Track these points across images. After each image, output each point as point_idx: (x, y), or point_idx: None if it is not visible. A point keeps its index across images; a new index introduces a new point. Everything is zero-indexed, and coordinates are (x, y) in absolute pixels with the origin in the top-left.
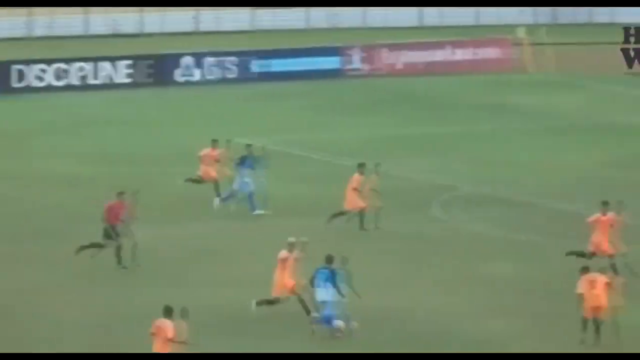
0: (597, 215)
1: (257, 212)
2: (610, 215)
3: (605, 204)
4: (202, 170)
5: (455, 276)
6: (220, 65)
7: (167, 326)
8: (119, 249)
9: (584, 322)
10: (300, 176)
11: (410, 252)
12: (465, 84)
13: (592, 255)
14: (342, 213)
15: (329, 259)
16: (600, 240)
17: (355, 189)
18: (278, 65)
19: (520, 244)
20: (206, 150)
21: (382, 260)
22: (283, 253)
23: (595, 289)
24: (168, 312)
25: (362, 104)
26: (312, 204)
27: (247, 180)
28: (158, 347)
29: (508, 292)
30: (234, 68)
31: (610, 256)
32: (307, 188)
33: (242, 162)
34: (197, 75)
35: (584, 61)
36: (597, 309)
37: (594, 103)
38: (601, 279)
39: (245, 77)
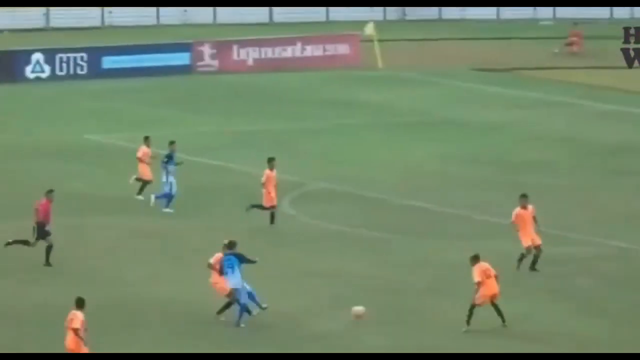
0: (528, 210)
1: (168, 210)
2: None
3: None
4: (141, 169)
5: (303, 271)
6: (71, 62)
7: (77, 317)
8: (49, 248)
9: (472, 309)
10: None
11: (257, 247)
12: (315, 80)
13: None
14: (263, 208)
15: (232, 245)
16: (533, 233)
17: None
18: (128, 61)
19: (366, 239)
20: (144, 149)
21: None
22: (219, 255)
23: (490, 277)
24: (80, 304)
25: (212, 100)
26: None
27: (172, 178)
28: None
29: (355, 287)
30: (84, 64)
31: (538, 247)
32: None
33: (170, 159)
34: (47, 71)
35: (431, 57)
36: (494, 296)
37: (441, 99)
38: (490, 268)
39: (95, 73)
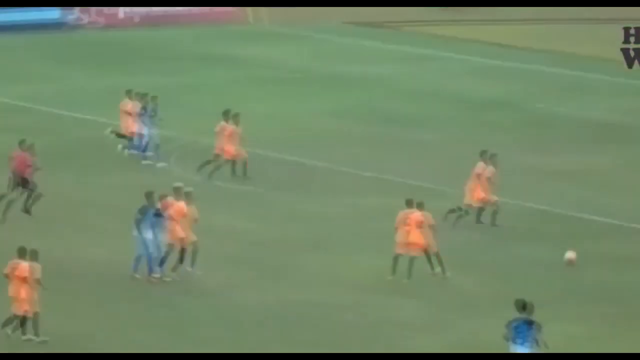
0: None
1: (162, 164)
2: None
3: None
4: (125, 124)
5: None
6: None
7: (23, 267)
8: (35, 198)
9: (395, 259)
10: (22, 127)
11: (136, 204)
12: (191, 36)
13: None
14: (216, 160)
15: (147, 196)
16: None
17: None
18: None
19: (244, 194)
20: (130, 104)
21: (101, 213)
22: (170, 200)
23: (409, 225)
24: (22, 253)
25: (88, 55)
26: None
27: (153, 131)
28: (14, 289)
29: (233, 242)
30: None
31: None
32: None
33: (147, 113)
34: None
35: (305, 12)
36: (407, 245)
37: (315, 53)
38: (415, 215)
39: None
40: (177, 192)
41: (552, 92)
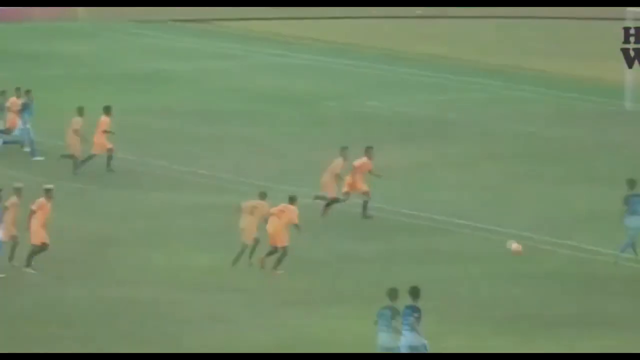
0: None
1: (38, 158)
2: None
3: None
4: (10, 119)
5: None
6: None
7: None
8: None
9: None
10: None
11: None
12: (5, 32)
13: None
14: (91, 157)
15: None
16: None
17: (105, 132)
18: None
19: (67, 191)
20: (12, 99)
21: None
22: (14, 200)
23: (273, 218)
24: None
25: None
26: None
27: (29, 126)
28: None
29: (55, 239)
30: None
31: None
32: None
33: (25, 108)
34: None
35: (130, 9)
36: (270, 236)
37: (143, 51)
38: (282, 209)
39: None
40: (48, 193)
41: (376, 88)
